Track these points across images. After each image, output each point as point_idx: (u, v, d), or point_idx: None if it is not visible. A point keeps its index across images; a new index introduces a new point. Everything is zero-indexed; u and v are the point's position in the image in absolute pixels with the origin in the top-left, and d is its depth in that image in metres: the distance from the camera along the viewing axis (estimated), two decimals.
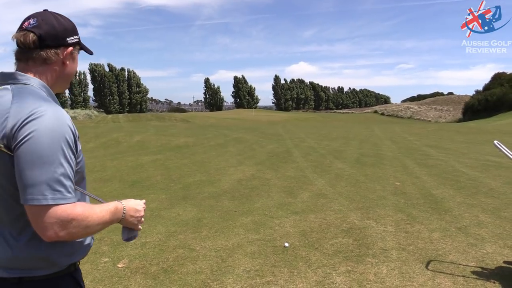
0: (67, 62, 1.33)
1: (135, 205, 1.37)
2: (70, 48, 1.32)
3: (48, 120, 1.13)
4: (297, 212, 5.55)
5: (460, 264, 3.71)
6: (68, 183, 1.13)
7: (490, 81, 58.45)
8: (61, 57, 1.30)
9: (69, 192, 1.13)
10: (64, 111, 1.23)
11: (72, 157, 1.17)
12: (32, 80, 1.25)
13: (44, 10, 1.31)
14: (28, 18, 1.26)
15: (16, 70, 1.27)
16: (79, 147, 1.26)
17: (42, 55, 1.25)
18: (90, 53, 1.46)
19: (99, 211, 1.21)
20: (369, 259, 3.86)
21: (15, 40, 1.25)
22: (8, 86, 1.23)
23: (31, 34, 1.22)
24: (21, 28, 1.25)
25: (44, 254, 1.20)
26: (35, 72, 1.27)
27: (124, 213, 1.31)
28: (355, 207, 5.74)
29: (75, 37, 1.34)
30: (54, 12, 1.32)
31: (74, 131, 1.20)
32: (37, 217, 1.09)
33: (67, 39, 1.30)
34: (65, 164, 1.13)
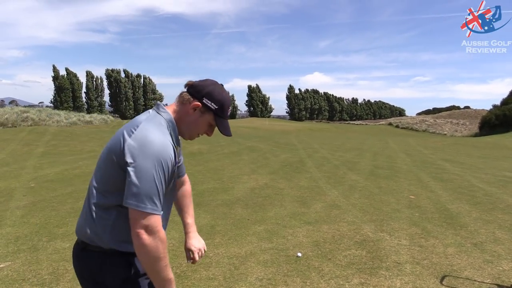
0: (190, 112, 1.64)
1: None
2: (198, 104, 1.62)
3: (151, 143, 1.47)
4: (310, 222, 5.53)
5: (475, 281, 3.66)
6: (160, 199, 1.48)
7: (509, 95, 57.39)
8: (190, 105, 1.63)
9: (161, 207, 1.48)
10: (169, 143, 1.53)
11: (165, 182, 1.51)
12: (165, 114, 1.62)
13: (221, 84, 1.71)
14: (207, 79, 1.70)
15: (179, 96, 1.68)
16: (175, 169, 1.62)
17: (184, 95, 1.65)
18: (223, 132, 1.71)
19: (166, 262, 1.52)
20: (382, 272, 3.83)
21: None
22: (151, 110, 1.64)
23: (191, 82, 1.67)
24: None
25: (102, 235, 1.56)
26: (174, 106, 1.67)
27: None
28: (369, 219, 5.71)
29: (213, 105, 1.63)
30: (223, 88, 1.70)
31: (173, 161, 1.54)
32: (134, 219, 1.44)
33: (204, 99, 1.62)
34: (160, 186, 1.46)
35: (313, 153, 15.70)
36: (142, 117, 1.60)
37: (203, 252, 1.96)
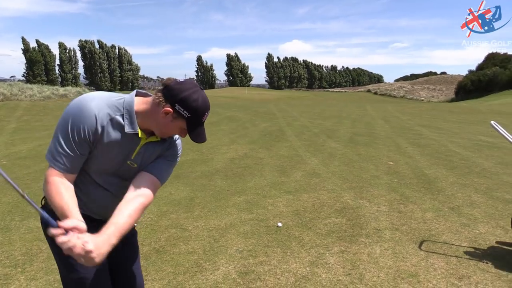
0: (161, 115, 1.55)
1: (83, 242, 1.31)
2: (169, 110, 1.53)
3: (72, 104, 1.53)
4: (290, 191, 5.52)
5: (453, 245, 3.71)
6: (62, 158, 1.51)
7: (483, 61, 58.36)
8: (161, 109, 1.54)
9: (65, 165, 1.53)
10: (93, 110, 1.50)
11: (71, 145, 1.50)
12: (128, 97, 1.61)
13: (202, 89, 1.60)
14: (193, 79, 1.61)
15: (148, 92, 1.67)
16: (102, 140, 1.55)
17: (157, 95, 1.56)
18: (193, 139, 1.63)
19: (59, 199, 1.50)
20: (362, 239, 3.85)
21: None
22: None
23: (170, 81, 1.55)
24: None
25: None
26: (150, 100, 1.60)
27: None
28: (348, 187, 5.72)
29: (185, 112, 1.54)
30: (204, 94, 1.59)
31: (87, 130, 1.49)
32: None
33: (176, 105, 1.53)
34: (59, 146, 1.51)
35: (292, 121, 15.66)
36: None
37: (76, 245, 1.30)
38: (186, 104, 1.53)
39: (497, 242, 3.77)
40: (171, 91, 1.53)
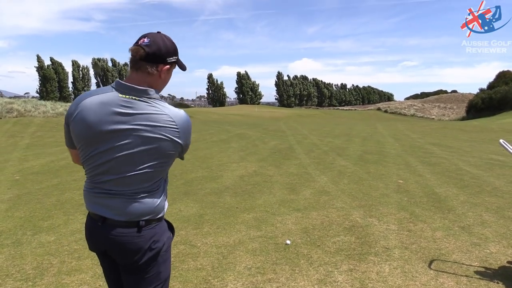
0: (162, 76, 1.72)
1: None
2: (167, 66, 1.71)
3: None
4: (299, 209, 5.52)
5: (463, 264, 3.67)
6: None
7: (495, 79, 58.02)
8: (159, 71, 1.69)
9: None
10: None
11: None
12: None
13: (158, 32, 1.70)
14: (144, 36, 1.66)
15: (129, 76, 1.69)
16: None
17: (146, 68, 1.66)
18: (184, 69, 1.83)
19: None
20: (371, 257, 3.83)
21: (130, 51, 1.66)
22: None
23: (142, 50, 1.62)
24: (137, 43, 1.65)
25: None
26: (140, 78, 1.67)
27: None
28: (358, 205, 5.71)
29: (174, 57, 1.73)
30: (164, 35, 1.71)
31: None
32: None
33: (167, 59, 1.69)
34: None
35: (302, 139, 15.69)
36: None
37: None
38: (171, 52, 1.70)
39: (508, 262, 3.72)
40: (154, 54, 1.64)
